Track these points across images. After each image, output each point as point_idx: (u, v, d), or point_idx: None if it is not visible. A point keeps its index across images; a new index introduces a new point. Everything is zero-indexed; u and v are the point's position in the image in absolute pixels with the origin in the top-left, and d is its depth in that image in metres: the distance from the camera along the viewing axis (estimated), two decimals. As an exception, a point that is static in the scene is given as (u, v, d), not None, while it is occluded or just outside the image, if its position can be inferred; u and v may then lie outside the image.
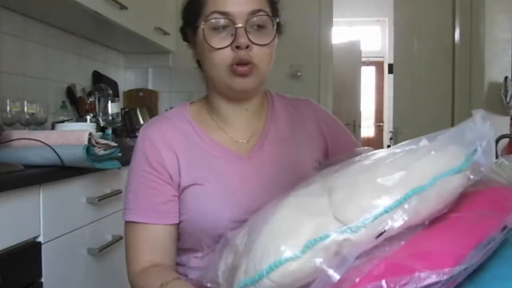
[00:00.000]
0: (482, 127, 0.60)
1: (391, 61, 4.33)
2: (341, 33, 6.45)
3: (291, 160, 1.02)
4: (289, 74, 3.50)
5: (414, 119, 3.64)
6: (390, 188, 0.55)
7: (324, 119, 1.12)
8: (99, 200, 1.58)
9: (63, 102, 2.50)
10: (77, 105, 2.57)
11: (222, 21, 0.93)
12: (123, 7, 2.38)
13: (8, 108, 1.92)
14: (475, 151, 0.58)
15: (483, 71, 3.24)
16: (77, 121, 2.41)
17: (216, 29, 0.94)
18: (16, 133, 1.53)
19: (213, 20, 0.94)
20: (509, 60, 3.20)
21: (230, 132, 1.03)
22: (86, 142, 1.47)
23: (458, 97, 3.54)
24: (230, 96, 1.01)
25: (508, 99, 3.09)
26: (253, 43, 0.93)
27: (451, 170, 0.56)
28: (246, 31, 0.92)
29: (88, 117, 2.45)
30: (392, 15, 3.98)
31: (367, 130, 7.23)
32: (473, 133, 0.60)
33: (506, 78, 3.12)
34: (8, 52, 2.11)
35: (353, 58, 5.57)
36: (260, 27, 0.94)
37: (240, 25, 0.92)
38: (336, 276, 0.50)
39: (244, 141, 1.03)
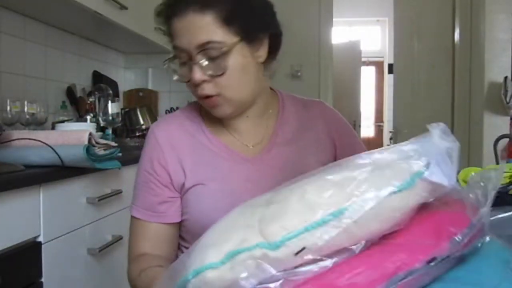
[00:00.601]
0: (439, 142, 0.56)
1: (391, 61, 4.33)
2: (341, 33, 6.44)
3: (297, 163, 1.01)
4: (289, 74, 3.50)
5: (414, 119, 3.64)
6: (316, 205, 0.53)
7: (336, 125, 1.10)
8: (99, 200, 1.58)
9: (63, 102, 2.50)
10: (77, 105, 2.57)
11: (181, 56, 0.92)
12: (123, 7, 2.38)
13: (8, 108, 1.92)
14: (426, 168, 0.54)
15: (483, 71, 3.24)
16: (77, 121, 2.41)
17: (181, 62, 0.93)
18: (16, 133, 1.53)
19: (175, 55, 0.94)
20: (509, 60, 3.20)
21: (237, 136, 1.03)
22: (86, 142, 1.47)
23: (458, 97, 3.54)
24: None
25: (508, 99, 3.09)
26: (209, 75, 0.90)
27: (387, 190, 0.53)
28: (200, 65, 0.90)
29: (88, 117, 2.45)
30: (392, 15, 3.98)
31: (367, 130, 7.23)
32: (428, 149, 0.55)
33: (506, 78, 3.12)
34: (8, 52, 2.11)
35: (353, 58, 5.58)
36: (213, 58, 0.89)
37: (193, 60, 0.90)
38: None
39: (252, 145, 1.03)
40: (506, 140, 2.57)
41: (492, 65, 3.22)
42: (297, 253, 0.52)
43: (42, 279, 1.31)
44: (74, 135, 1.51)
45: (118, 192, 1.71)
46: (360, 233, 0.53)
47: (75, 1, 1.97)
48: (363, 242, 0.53)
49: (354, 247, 0.53)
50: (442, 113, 3.62)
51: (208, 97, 0.93)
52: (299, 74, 3.51)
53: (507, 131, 3.03)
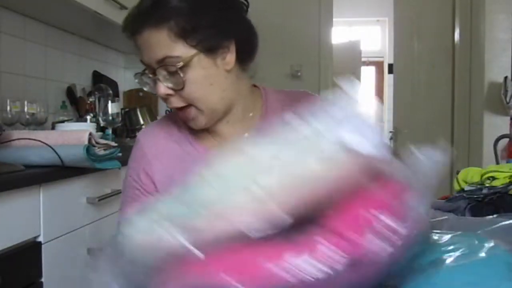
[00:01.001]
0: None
1: (391, 61, 4.33)
2: (341, 33, 6.44)
3: None
4: (289, 74, 3.50)
5: (414, 119, 3.64)
6: (227, 177, 0.57)
7: None
8: (99, 200, 1.58)
9: (63, 102, 2.50)
10: (77, 105, 2.57)
11: (148, 70, 0.93)
12: (123, 7, 2.37)
13: (8, 108, 1.92)
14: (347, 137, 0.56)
15: (483, 71, 3.24)
16: (77, 121, 2.41)
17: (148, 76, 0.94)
18: (16, 133, 1.53)
19: (145, 68, 0.94)
20: (509, 60, 3.20)
21: (221, 141, 1.01)
22: (86, 142, 1.47)
23: (458, 97, 3.54)
24: None
25: (507, 99, 3.09)
26: (172, 89, 0.90)
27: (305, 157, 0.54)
28: (162, 80, 0.90)
29: (88, 117, 2.45)
30: (392, 15, 3.97)
31: (367, 130, 7.22)
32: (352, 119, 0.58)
33: (506, 78, 3.12)
34: (8, 52, 2.11)
35: (353, 58, 5.57)
36: (172, 72, 0.89)
37: (156, 75, 0.91)
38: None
39: None
40: (506, 140, 2.57)
41: (492, 65, 3.22)
42: (210, 222, 0.56)
43: (42, 279, 1.31)
44: (74, 135, 1.51)
45: (118, 192, 1.71)
46: (279, 198, 0.54)
47: (75, 1, 1.97)
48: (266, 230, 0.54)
49: (251, 234, 0.54)
50: (442, 113, 3.62)
51: (181, 108, 0.93)
52: (299, 74, 3.51)
53: (507, 131, 3.03)
